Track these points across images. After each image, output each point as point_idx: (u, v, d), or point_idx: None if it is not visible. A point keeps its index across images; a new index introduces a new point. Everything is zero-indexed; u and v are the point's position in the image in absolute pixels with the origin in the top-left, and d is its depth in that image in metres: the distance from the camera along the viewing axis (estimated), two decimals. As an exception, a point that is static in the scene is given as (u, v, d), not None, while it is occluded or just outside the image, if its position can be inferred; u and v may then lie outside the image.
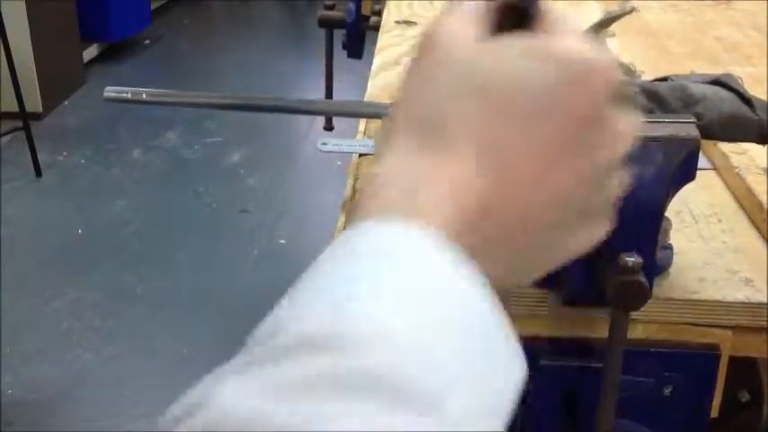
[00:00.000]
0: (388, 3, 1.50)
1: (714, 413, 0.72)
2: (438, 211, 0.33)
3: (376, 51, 1.27)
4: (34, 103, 3.65)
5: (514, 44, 0.36)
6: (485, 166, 0.34)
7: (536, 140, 0.35)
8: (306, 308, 0.32)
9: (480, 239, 0.34)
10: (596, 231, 0.38)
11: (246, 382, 0.29)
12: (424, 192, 0.34)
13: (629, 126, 0.38)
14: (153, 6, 5.09)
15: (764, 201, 0.80)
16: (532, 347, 0.69)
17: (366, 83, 1.14)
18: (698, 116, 0.61)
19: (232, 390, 0.29)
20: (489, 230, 0.34)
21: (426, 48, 0.38)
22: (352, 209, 0.35)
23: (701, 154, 0.61)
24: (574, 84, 0.35)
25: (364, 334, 0.28)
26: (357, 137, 0.97)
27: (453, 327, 0.30)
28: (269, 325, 0.33)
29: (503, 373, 0.32)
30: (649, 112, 0.62)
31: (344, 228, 0.35)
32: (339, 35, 1.56)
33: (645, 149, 0.58)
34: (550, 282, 0.63)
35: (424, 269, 0.31)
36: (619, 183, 0.39)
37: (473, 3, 0.39)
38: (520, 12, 0.38)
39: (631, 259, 0.59)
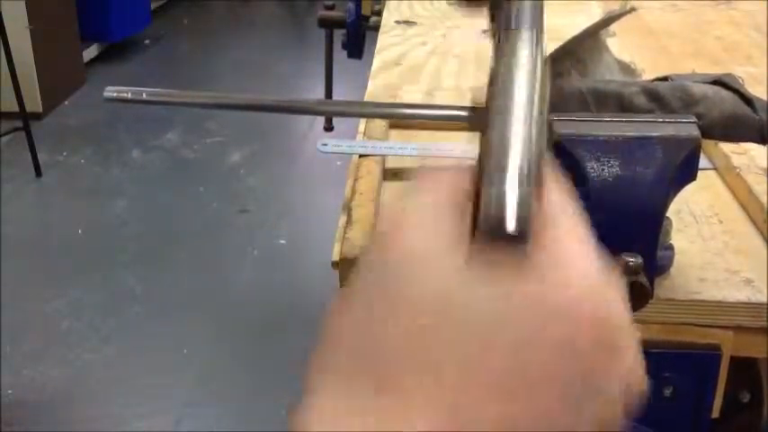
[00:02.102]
0: (388, 3, 1.50)
1: (715, 413, 0.72)
2: None
3: (376, 51, 1.27)
4: (34, 103, 3.65)
5: (497, 272, 0.29)
6: (450, 416, 0.27)
7: (518, 385, 0.28)
8: None
9: None
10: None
11: None
12: None
13: (634, 356, 0.31)
14: (153, 6, 5.09)
15: (765, 201, 0.80)
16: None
17: (366, 83, 1.14)
18: (699, 116, 0.61)
19: None
20: None
21: (381, 263, 0.30)
22: None
23: (701, 154, 0.60)
24: (570, 322, 0.28)
25: None
26: (357, 137, 0.97)
27: None
28: None
29: None
30: (650, 112, 0.62)
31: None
32: (339, 35, 1.56)
33: (646, 149, 0.58)
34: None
35: None
36: (618, 410, 0.31)
37: (442, 197, 0.31)
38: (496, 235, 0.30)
39: (632, 260, 0.59)
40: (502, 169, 0.30)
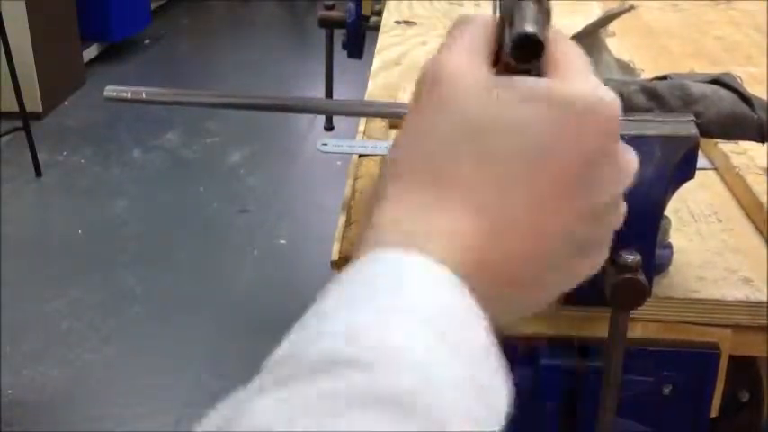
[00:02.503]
0: (388, 3, 1.50)
1: (714, 412, 0.72)
2: (436, 260, 0.33)
3: (376, 51, 1.27)
4: (34, 103, 3.65)
5: (516, 89, 0.36)
6: (483, 221, 0.34)
7: (537, 189, 0.35)
8: (322, 330, 0.32)
9: (479, 288, 0.34)
10: (595, 261, 0.39)
11: (275, 398, 0.31)
12: (425, 243, 0.34)
13: (630, 162, 0.38)
14: (153, 6, 5.09)
15: (764, 200, 0.80)
16: (532, 347, 0.69)
17: (366, 83, 1.14)
18: (697, 115, 0.61)
19: (262, 406, 0.31)
20: (487, 280, 0.35)
21: (428, 88, 0.37)
22: (355, 246, 0.36)
23: (700, 153, 0.61)
24: (575, 128, 0.35)
25: (375, 356, 0.29)
26: (357, 137, 0.97)
27: (455, 354, 0.31)
28: (286, 348, 0.35)
29: (492, 399, 0.32)
30: (649, 110, 0.62)
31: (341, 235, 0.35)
32: (339, 35, 1.56)
33: (644, 148, 0.58)
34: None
35: (431, 295, 0.32)
36: (618, 214, 0.39)
37: (475, 35, 0.39)
38: (522, 42, 0.37)
39: (631, 258, 0.59)
40: (521, 5, 0.37)
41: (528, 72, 0.37)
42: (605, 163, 0.36)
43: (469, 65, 0.37)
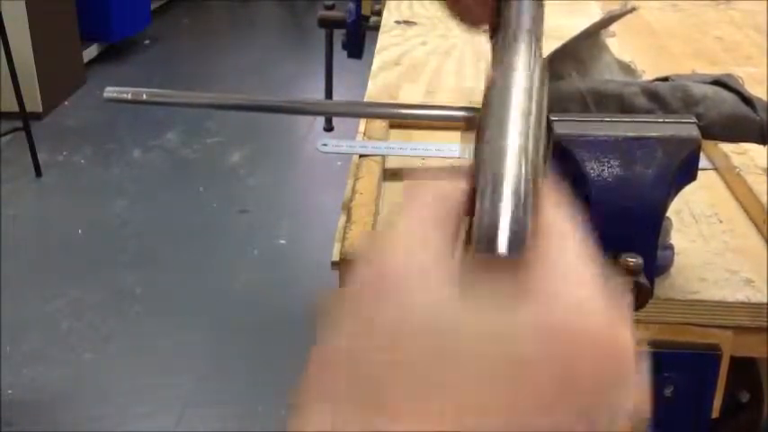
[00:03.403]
0: (388, 3, 1.50)
1: (715, 413, 0.72)
2: None
3: (376, 51, 1.27)
4: (34, 103, 3.65)
5: (492, 293, 0.27)
6: None
7: (510, 414, 0.26)
8: None
9: None
10: None
11: None
12: None
13: (640, 388, 0.29)
14: (153, 6, 5.09)
15: (765, 201, 0.80)
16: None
17: (366, 83, 1.14)
18: (699, 116, 0.61)
19: None
20: None
21: (373, 281, 0.29)
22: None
23: (701, 154, 0.61)
24: (573, 350, 0.26)
25: None
26: (357, 137, 0.97)
27: None
28: None
29: None
30: (650, 112, 0.62)
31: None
32: (339, 35, 1.56)
33: (646, 150, 0.58)
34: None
35: None
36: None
37: (435, 211, 0.30)
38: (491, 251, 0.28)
39: (632, 259, 0.59)
40: (496, 186, 0.29)
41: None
42: (607, 393, 0.27)
43: (425, 252, 0.28)
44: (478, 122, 0.32)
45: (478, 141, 0.31)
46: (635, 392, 0.28)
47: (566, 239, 0.29)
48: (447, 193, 0.31)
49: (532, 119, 0.31)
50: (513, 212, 0.28)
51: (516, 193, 0.29)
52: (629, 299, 0.29)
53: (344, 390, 0.27)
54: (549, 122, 0.57)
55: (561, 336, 0.26)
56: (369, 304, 0.28)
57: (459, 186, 0.31)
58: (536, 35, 0.35)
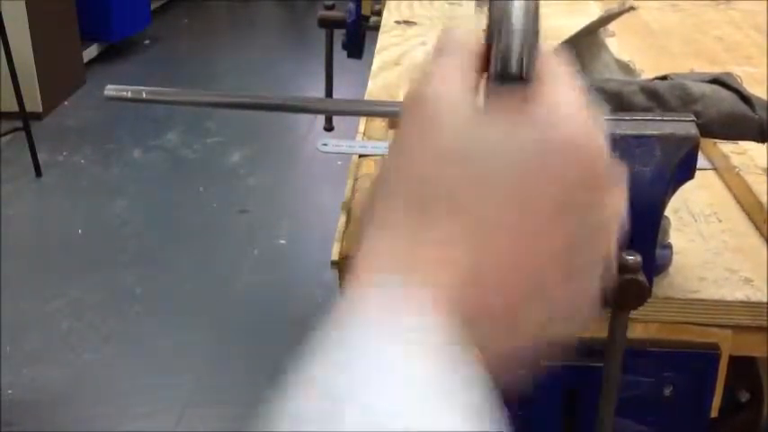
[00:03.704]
0: (388, 3, 1.50)
1: (714, 413, 0.72)
2: (420, 295, 0.33)
3: (376, 51, 1.27)
4: (34, 103, 3.66)
5: (506, 116, 0.35)
6: (472, 245, 0.34)
7: (526, 215, 0.34)
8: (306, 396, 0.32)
9: (468, 312, 0.34)
10: (584, 288, 0.37)
11: None
12: (410, 274, 0.34)
13: (620, 192, 0.37)
14: (153, 6, 5.09)
15: (764, 201, 0.80)
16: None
17: (366, 83, 1.14)
18: (697, 114, 0.61)
19: None
20: (475, 302, 0.34)
21: (415, 112, 0.37)
22: (346, 281, 0.36)
23: (700, 154, 0.61)
24: (564, 156, 0.35)
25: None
26: (357, 137, 0.97)
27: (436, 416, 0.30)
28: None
29: None
30: (648, 110, 0.62)
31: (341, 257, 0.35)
32: (339, 35, 1.56)
33: (644, 148, 0.58)
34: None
35: (417, 356, 0.31)
36: (608, 240, 0.38)
37: (458, 53, 0.38)
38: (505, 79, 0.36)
39: (631, 258, 0.59)
40: (508, 27, 0.36)
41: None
42: (594, 189, 0.35)
43: (459, 89, 0.36)
44: None
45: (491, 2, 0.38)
46: (614, 193, 0.37)
47: (561, 74, 0.37)
48: (471, 39, 0.38)
49: None
50: (521, 45, 0.36)
51: (525, 32, 0.36)
52: (603, 118, 0.37)
53: (394, 207, 0.35)
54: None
55: (557, 144, 0.34)
56: (411, 133, 0.36)
57: (480, 37, 0.38)
58: None
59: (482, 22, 0.39)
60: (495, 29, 0.37)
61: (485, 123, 0.35)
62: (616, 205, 0.37)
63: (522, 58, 0.36)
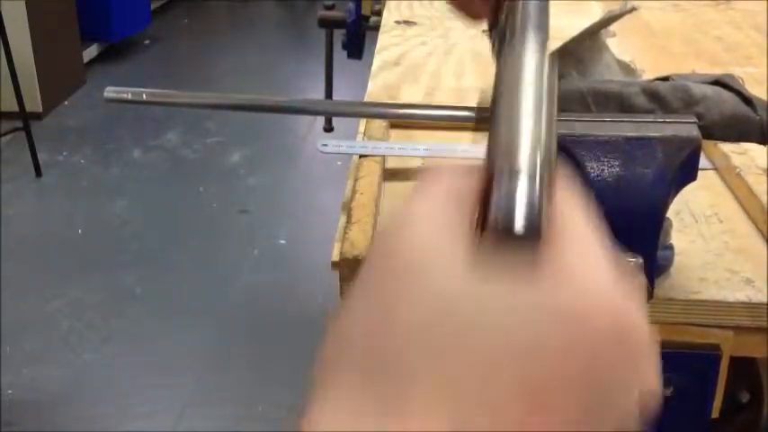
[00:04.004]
0: (388, 3, 1.50)
1: (715, 413, 0.72)
2: None
3: (376, 51, 1.27)
4: (34, 103, 3.65)
5: (507, 279, 0.27)
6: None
7: (529, 417, 0.25)
8: None
9: None
10: None
11: None
12: None
13: (652, 367, 0.28)
14: (153, 6, 5.09)
15: (765, 201, 0.80)
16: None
17: (366, 83, 1.14)
18: (699, 116, 0.61)
19: None
20: None
21: (385, 266, 0.28)
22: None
23: (701, 154, 0.61)
24: (588, 355, 0.26)
25: None
26: (357, 137, 0.97)
27: None
28: None
29: None
30: (650, 112, 0.62)
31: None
32: (339, 35, 1.56)
33: (646, 150, 0.58)
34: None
35: None
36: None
37: (448, 194, 0.30)
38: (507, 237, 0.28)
39: (632, 260, 0.59)
40: (512, 168, 0.29)
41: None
42: (624, 377, 0.27)
43: (438, 236, 0.28)
44: (491, 113, 0.32)
45: (492, 131, 0.31)
46: (650, 375, 0.28)
47: (579, 224, 0.29)
48: (461, 178, 0.31)
49: (545, 108, 0.31)
50: (528, 195, 0.28)
51: (532, 176, 0.29)
52: (640, 280, 0.29)
53: (359, 378, 0.27)
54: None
55: (577, 318, 0.26)
56: (383, 285, 0.28)
57: (472, 173, 0.31)
58: (544, 29, 0.35)
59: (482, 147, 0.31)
60: (496, 166, 0.29)
61: (477, 282, 0.27)
62: (646, 384, 0.28)
63: (530, 214, 0.28)
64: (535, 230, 0.28)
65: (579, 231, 0.29)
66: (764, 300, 0.68)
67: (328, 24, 1.47)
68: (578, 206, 0.30)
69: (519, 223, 0.28)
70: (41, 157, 3.36)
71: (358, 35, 1.50)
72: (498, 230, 0.28)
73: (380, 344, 0.27)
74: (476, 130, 0.77)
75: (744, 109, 0.62)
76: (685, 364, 0.69)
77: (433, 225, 0.29)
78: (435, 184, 0.30)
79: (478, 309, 0.26)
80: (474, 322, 0.26)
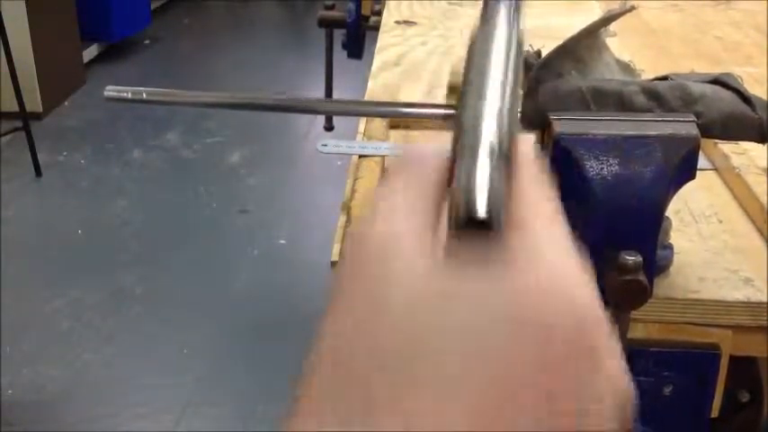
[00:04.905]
0: (388, 3, 1.50)
1: (714, 413, 0.72)
2: None
3: (376, 51, 1.27)
4: (34, 103, 3.65)
5: (472, 271, 0.26)
6: None
7: (486, 402, 0.25)
8: None
9: None
10: None
11: None
12: None
13: (617, 367, 0.28)
14: (153, 6, 5.09)
15: (764, 201, 0.80)
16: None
17: (366, 83, 1.14)
18: (698, 115, 0.61)
19: None
20: None
21: (357, 260, 0.28)
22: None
23: (701, 154, 0.61)
24: (548, 352, 0.26)
25: None
26: (357, 137, 0.97)
27: None
28: None
29: None
30: (649, 110, 0.62)
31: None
32: (339, 35, 1.56)
33: (645, 148, 0.58)
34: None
35: None
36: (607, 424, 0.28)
37: (418, 182, 0.29)
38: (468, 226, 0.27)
39: (632, 258, 0.59)
40: (472, 154, 0.28)
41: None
42: (585, 365, 0.27)
43: (404, 228, 0.28)
44: (459, 91, 0.32)
45: (458, 108, 0.31)
46: (612, 363, 0.28)
47: (541, 210, 0.29)
48: (431, 161, 0.30)
49: (508, 85, 0.31)
50: (489, 181, 0.28)
51: (492, 160, 0.28)
52: (591, 270, 0.28)
53: (328, 382, 0.27)
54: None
55: (536, 319, 0.26)
56: (350, 279, 0.28)
57: (444, 155, 0.30)
58: (518, 9, 0.35)
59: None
60: (460, 146, 0.29)
61: (443, 280, 0.27)
62: (611, 376, 0.28)
63: (490, 201, 0.27)
64: (495, 218, 0.27)
65: (540, 218, 0.29)
66: (764, 299, 0.68)
67: (328, 24, 1.48)
68: (541, 189, 0.30)
69: (480, 209, 0.27)
70: (41, 156, 3.36)
71: (358, 35, 1.50)
72: (459, 220, 0.27)
73: (354, 355, 0.26)
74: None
75: (742, 107, 0.62)
76: (685, 364, 0.69)
77: (397, 215, 0.28)
78: (400, 173, 0.30)
79: (442, 312, 0.26)
80: (437, 327, 0.26)
